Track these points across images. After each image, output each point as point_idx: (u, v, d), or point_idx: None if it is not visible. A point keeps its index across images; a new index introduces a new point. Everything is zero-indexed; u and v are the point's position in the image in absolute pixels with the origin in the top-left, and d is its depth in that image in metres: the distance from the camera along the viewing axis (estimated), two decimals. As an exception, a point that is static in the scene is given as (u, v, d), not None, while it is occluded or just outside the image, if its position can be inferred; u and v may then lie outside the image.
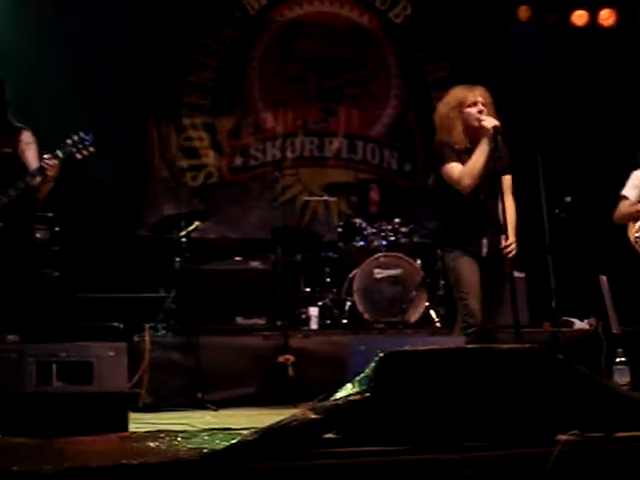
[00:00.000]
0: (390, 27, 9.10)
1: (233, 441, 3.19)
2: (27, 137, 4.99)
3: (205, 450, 3.12)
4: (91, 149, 4.89)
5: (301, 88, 8.92)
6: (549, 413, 3.38)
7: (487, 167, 4.70)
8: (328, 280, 7.19)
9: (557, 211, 6.82)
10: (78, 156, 4.87)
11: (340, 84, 9.00)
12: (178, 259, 6.76)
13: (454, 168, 4.76)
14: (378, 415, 3.32)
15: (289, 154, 8.74)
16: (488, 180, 4.73)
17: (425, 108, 9.08)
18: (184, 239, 6.97)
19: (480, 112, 4.75)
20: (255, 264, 6.67)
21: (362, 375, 3.44)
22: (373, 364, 3.34)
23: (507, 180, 4.91)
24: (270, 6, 8.90)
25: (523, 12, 8.79)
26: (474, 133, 4.76)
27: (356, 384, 3.44)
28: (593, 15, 8.78)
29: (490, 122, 4.68)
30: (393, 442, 3.34)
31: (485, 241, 4.77)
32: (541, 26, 8.87)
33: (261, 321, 6.45)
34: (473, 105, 4.79)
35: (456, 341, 4.43)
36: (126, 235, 8.09)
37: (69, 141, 4.86)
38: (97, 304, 7.14)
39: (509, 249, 4.70)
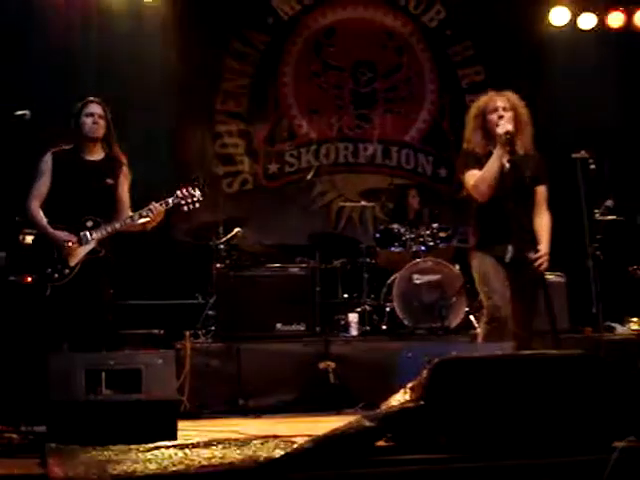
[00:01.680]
0: (424, 31, 9.09)
1: (288, 449, 3.19)
2: (126, 172, 5.17)
3: (261, 458, 3.12)
4: (197, 205, 5.14)
5: (335, 94, 8.93)
6: (605, 420, 3.36)
7: (510, 174, 4.72)
8: (367, 286, 7.17)
9: (598, 214, 6.78)
10: (185, 209, 5.12)
11: (374, 90, 9.00)
12: (217, 266, 6.78)
13: (472, 175, 4.82)
14: (432, 422, 3.31)
15: (324, 160, 8.74)
16: (516, 188, 4.73)
17: (460, 112, 9.04)
18: (222, 246, 7.00)
19: (500, 117, 4.78)
20: (294, 270, 6.67)
21: (414, 382, 3.44)
22: (426, 371, 3.34)
23: (541, 191, 4.93)
24: (303, 12, 8.92)
25: (558, 14, 8.74)
26: (495, 140, 4.79)
27: (408, 391, 3.44)
28: (629, 17, 8.71)
29: (502, 127, 4.72)
30: (447, 450, 3.33)
31: (510, 247, 4.75)
32: (576, 28, 8.81)
33: (301, 327, 6.44)
34: (494, 111, 4.83)
35: (504, 347, 4.40)
36: (164, 242, 8.12)
37: (179, 194, 5.10)
38: (136, 311, 7.17)
39: (541, 261, 4.71)
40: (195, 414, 5.66)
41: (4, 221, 5.62)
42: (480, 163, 4.81)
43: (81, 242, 4.91)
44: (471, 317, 6.90)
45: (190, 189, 5.12)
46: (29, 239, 5.42)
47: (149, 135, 8.06)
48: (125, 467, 3.16)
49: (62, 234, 4.90)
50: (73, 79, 7.75)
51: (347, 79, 8.95)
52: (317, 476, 3.08)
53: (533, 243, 4.77)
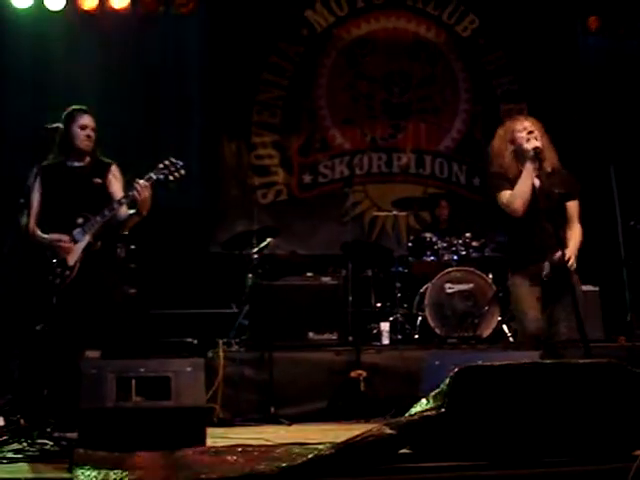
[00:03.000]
0: (457, 41, 9.12)
1: (310, 455, 3.22)
2: (115, 171, 5.17)
3: (283, 465, 3.15)
4: (182, 172, 5.01)
5: (369, 105, 8.99)
6: (627, 428, 3.34)
7: (540, 191, 4.81)
8: (399, 295, 7.19)
9: (632, 223, 6.73)
10: (170, 178, 5.00)
11: (408, 100, 9.04)
12: (250, 275, 6.85)
13: (505, 194, 4.88)
14: (453, 430, 3.32)
15: (357, 171, 8.79)
16: (547, 205, 4.79)
17: (494, 122, 9.01)
18: (256, 255, 7.07)
19: (529, 133, 4.87)
20: (326, 279, 6.70)
21: (437, 390, 3.45)
22: (448, 379, 3.35)
23: (571, 207, 4.95)
24: (337, 23, 9.00)
25: (592, 22, 8.70)
26: (524, 159, 4.86)
27: (431, 399, 3.46)
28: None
29: (531, 143, 4.82)
30: (468, 457, 3.34)
31: (547, 264, 4.82)
32: (611, 35, 8.76)
33: (333, 336, 6.47)
34: (522, 130, 4.91)
35: (530, 356, 4.39)
36: (198, 252, 8.23)
37: (161, 165, 5.00)
38: (171, 320, 7.27)
39: (567, 258, 4.73)
40: (228, 422, 5.71)
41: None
42: (511, 184, 4.87)
43: (75, 240, 4.89)
44: (503, 326, 6.89)
45: (172, 159, 5.02)
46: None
47: (186, 148, 8.16)
48: (152, 472, 3.21)
49: (54, 236, 4.88)
50: (106, 92, 7.88)
51: (380, 89, 9.01)
52: (337, 482, 3.11)
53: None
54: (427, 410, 3.34)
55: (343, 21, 9.02)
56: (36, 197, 4.94)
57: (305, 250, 8.06)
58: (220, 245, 7.80)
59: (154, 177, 4.95)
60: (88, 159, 5.12)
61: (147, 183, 4.90)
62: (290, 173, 8.85)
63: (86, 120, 5.07)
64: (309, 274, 6.88)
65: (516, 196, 4.81)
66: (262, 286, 6.64)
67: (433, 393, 3.48)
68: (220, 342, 6.16)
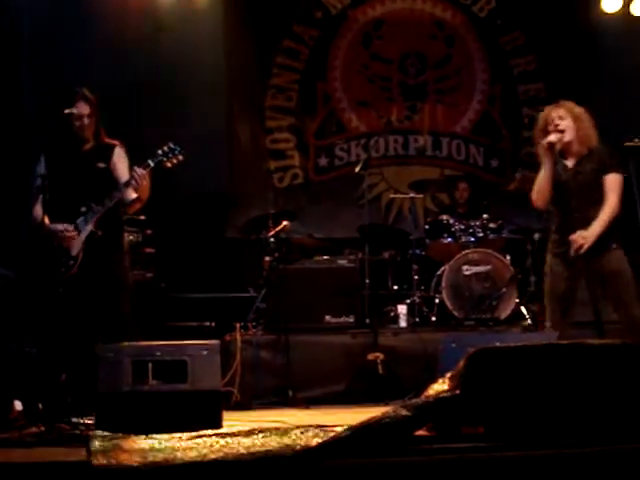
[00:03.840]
0: (474, 21, 9.04)
1: (326, 438, 3.23)
2: (119, 153, 5.15)
3: (298, 447, 3.16)
4: (180, 157, 5.03)
5: (385, 86, 8.94)
6: (643, 409, 3.33)
7: (561, 181, 4.97)
8: (416, 277, 7.16)
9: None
10: (168, 164, 5.02)
11: (424, 81, 8.99)
12: (267, 259, 6.84)
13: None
14: (469, 412, 3.32)
15: (374, 153, 8.75)
16: (580, 187, 4.95)
17: (511, 103, 9.02)
18: (272, 239, 7.07)
19: (555, 127, 4.98)
20: (343, 262, 6.69)
21: (452, 372, 3.45)
22: (463, 361, 3.34)
23: (605, 182, 4.97)
24: (352, 5, 8.94)
25: (610, 0, 8.58)
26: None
27: (446, 381, 3.45)
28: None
29: (545, 139, 4.96)
30: (484, 439, 3.34)
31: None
32: (629, 14, 8.65)
33: (350, 319, 6.45)
34: (551, 123, 5.03)
35: (547, 337, 4.37)
36: (215, 236, 8.24)
37: (159, 151, 5.01)
38: (188, 304, 7.29)
39: (576, 237, 4.84)
40: (245, 405, 5.72)
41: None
42: None
43: (78, 229, 4.92)
44: (522, 308, 6.85)
45: (170, 144, 5.04)
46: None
47: (201, 133, 8.16)
48: (165, 454, 3.23)
49: (59, 226, 4.92)
50: (123, 77, 7.88)
51: (396, 71, 8.96)
52: (353, 464, 3.11)
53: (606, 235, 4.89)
54: (442, 392, 3.34)
55: (358, 3, 8.95)
56: (41, 185, 4.91)
57: (321, 233, 8.04)
58: (237, 229, 7.80)
59: (151, 164, 4.96)
60: (91, 143, 5.12)
61: (144, 171, 4.90)
62: (306, 156, 8.83)
63: (79, 109, 5.02)
64: (326, 257, 6.87)
65: (534, 191, 5.04)
66: (279, 269, 6.63)
67: (448, 374, 3.48)
68: (237, 325, 6.17)
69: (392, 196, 8.68)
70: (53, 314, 4.86)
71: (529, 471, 3.22)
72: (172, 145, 5.03)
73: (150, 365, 4.33)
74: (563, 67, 8.78)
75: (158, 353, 4.38)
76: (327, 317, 6.46)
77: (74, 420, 4.42)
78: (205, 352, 4.41)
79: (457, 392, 3.24)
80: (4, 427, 4.30)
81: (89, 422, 4.35)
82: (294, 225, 7.49)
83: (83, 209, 4.94)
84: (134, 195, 4.99)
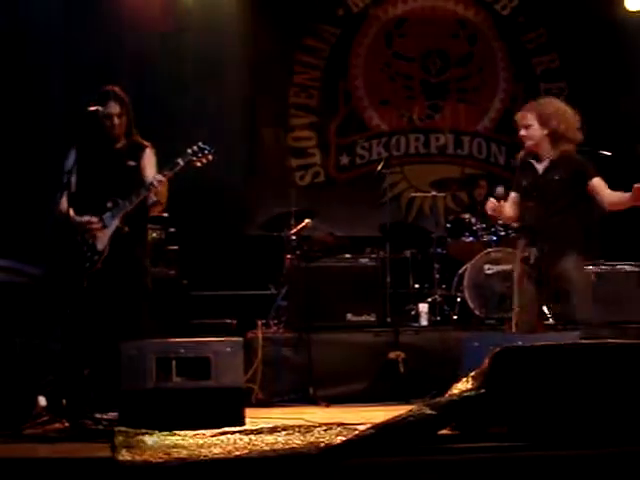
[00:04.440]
0: (497, 19, 9.00)
1: (349, 436, 3.23)
2: (149, 154, 5.19)
3: (322, 445, 3.16)
4: (210, 157, 5.05)
5: (406, 85, 8.92)
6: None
7: (529, 187, 5.07)
8: (437, 276, 7.15)
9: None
10: (197, 164, 5.04)
11: (446, 79, 8.96)
12: (288, 257, 6.85)
13: None
14: (493, 411, 3.31)
15: (394, 152, 8.74)
16: (540, 200, 5.00)
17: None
18: (294, 237, 7.08)
19: (521, 136, 5.12)
20: (364, 261, 6.68)
21: (476, 371, 3.44)
22: (487, 360, 3.34)
23: (595, 184, 4.99)
24: (374, 3, 8.92)
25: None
26: None
27: (470, 380, 3.45)
28: None
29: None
30: (508, 438, 3.33)
31: (534, 250, 5.00)
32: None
33: (371, 318, 6.45)
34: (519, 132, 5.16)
35: (570, 337, 4.35)
36: (236, 234, 8.26)
37: (189, 150, 5.02)
38: (210, 302, 7.31)
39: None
40: (266, 402, 5.74)
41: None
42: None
43: (104, 224, 4.95)
44: (543, 307, 6.82)
45: (200, 144, 5.05)
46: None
47: (224, 131, 8.18)
48: (189, 451, 3.24)
49: (85, 218, 4.95)
50: (147, 80, 7.92)
51: (418, 69, 8.93)
52: (376, 462, 3.11)
53: (561, 244, 4.96)
54: (467, 390, 3.34)
55: (380, 0, 8.93)
56: (72, 180, 4.94)
57: (342, 232, 8.04)
58: (258, 227, 7.81)
59: (181, 163, 4.98)
60: (123, 141, 5.15)
61: (163, 178, 4.90)
62: (327, 155, 8.83)
63: (110, 109, 5.06)
64: (347, 255, 6.87)
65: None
66: (300, 267, 6.63)
67: (472, 373, 3.47)
68: (259, 323, 6.19)
69: (413, 195, 8.66)
70: (77, 309, 4.88)
71: (553, 471, 3.21)
72: (202, 144, 5.04)
73: (174, 362, 4.35)
74: (586, 66, 8.74)
75: (182, 350, 4.39)
76: (348, 315, 6.46)
77: (97, 416, 4.46)
78: (228, 349, 4.42)
79: (482, 391, 3.23)
80: (28, 423, 4.34)
81: (112, 418, 4.39)
82: (315, 223, 7.49)
83: (109, 204, 4.96)
84: (154, 198, 5.01)
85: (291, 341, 6.17)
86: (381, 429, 3.19)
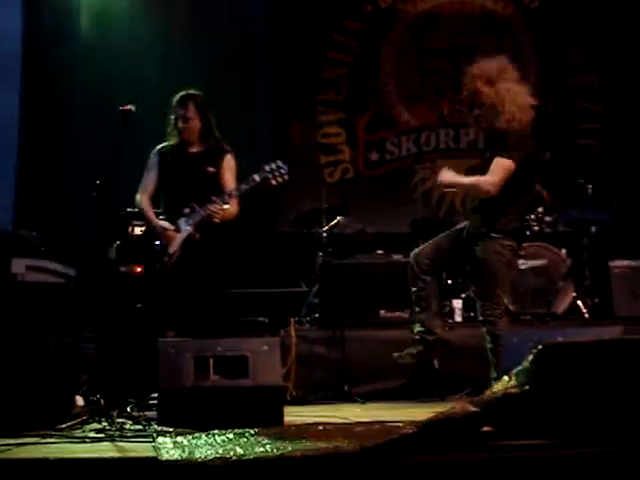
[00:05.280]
0: (526, 12, 8.93)
1: (392, 434, 3.21)
2: (229, 160, 5.29)
3: (366, 443, 3.14)
4: (286, 177, 5.16)
5: (436, 80, 8.88)
6: None
7: None
8: (471, 272, 7.09)
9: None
10: (273, 182, 5.16)
11: (476, 74, 8.89)
12: (320, 254, 6.84)
13: None
14: (537, 408, 3.27)
15: (425, 147, 8.69)
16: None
17: (564, 95, 8.90)
18: (325, 234, 7.06)
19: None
20: (397, 257, 6.66)
21: (519, 368, 3.40)
22: (531, 357, 3.29)
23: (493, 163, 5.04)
24: (402, -2, 8.90)
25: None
26: None
27: (513, 377, 3.40)
28: None
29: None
30: (552, 436, 3.29)
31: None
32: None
33: (405, 314, 6.41)
34: None
35: (612, 332, 4.30)
36: (266, 231, 8.25)
37: (267, 167, 5.13)
38: (241, 300, 7.30)
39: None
40: (301, 400, 5.73)
41: (114, 213, 5.81)
42: None
43: (179, 229, 5.11)
44: (578, 302, 6.76)
45: (279, 162, 5.16)
46: (138, 230, 5.65)
47: (253, 129, 8.19)
48: (232, 450, 3.23)
49: (163, 223, 5.13)
50: (174, 75, 7.93)
51: (447, 64, 8.88)
52: (422, 461, 3.09)
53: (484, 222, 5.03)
54: (510, 388, 3.30)
55: (409, -4, 8.91)
56: (151, 177, 5.22)
57: (373, 228, 8.01)
58: (288, 224, 7.80)
59: (257, 179, 5.08)
60: (199, 146, 5.22)
61: (237, 193, 5.06)
62: (356, 151, 8.81)
63: (183, 110, 5.21)
64: (379, 252, 6.84)
65: None
66: (332, 264, 6.62)
67: (515, 370, 3.43)
68: (292, 320, 6.18)
69: (444, 190, 8.62)
70: (112, 309, 4.96)
71: (597, 469, 3.17)
72: (280, 163, 5.15)
73: (211, 360, 4.34)
74: (617, 58, 8.65)
75: (219, 348, 4.38)
76: (382, 312, 6.44)
77: (136, 415, 4.46)
78: (266, 347, 4.41)
79: (526, 388, 3.20)
80: (66, 422, 4.34)
81: (151, 417, 4.39)
82: (346, 220, 7.47)
83: (186, 210, 5.12)
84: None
85: (324, 339, 6.16)
86: (424, 427, 3.16)
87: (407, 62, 8.87)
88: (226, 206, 5.11)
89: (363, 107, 8.82)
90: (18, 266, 4.69)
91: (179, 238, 5.13)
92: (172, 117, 5.27)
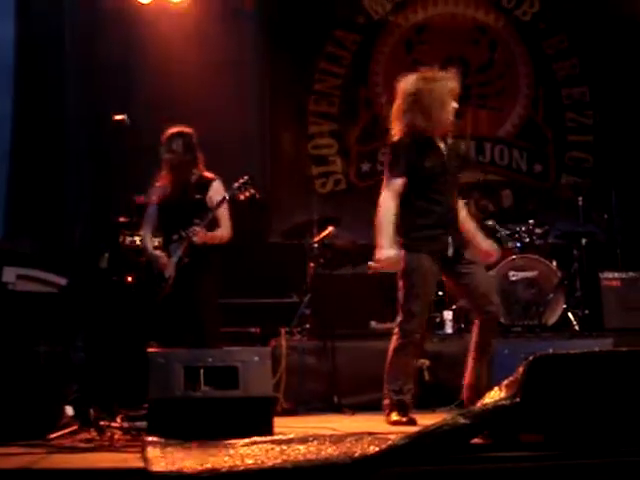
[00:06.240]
0: (517, 25, 9.00)
1: (382, 445, 3.20)
2: (216, 188, 5.59)
3: (356, 454, 3.13)
4: (252, 191, 5.52)
5: (428, 92, 8.89)
6: None
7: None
8: (461, 283, 7.10)
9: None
10: (241, 197, 5.52)
11: (467, 85, 8.92)
12: (311, 265, 6.83)
13: None
14: (528, 420, 3.28)
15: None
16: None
17: (555, 106, 8.94)
18: (316, 245, 7.06)
19: None
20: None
21: (510, 379, 3.40)
22: (522, 368, 3.30)
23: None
24: (394, 10, 8.93)
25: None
26: None
27: (504, 389, 3.41)
28: None
29: None
30: (543, 447, 3.29)
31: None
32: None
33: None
34: None
35: (602, 344, 4.31)
36: (258, 242, 8.24)
37: (235, 184, 5.47)
38: (233, 310, 7.28)
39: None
40: (290, 411, 5.71)
41: (106, 222, 5.86)
42: None
43: (170, 254, 5.47)
44: (569, 314, 6.78)
45: (245, 178, 5.52)
46: (129, 240, 5.78)
47: (244, 138, 8.19)
48: (223, 461, 3.22)
49: (156, 252, 5.57)
50: (166, 85, 7.94)
51: (439, 76, 8.91)
52: (412, 472, 3.08)
53: None
54: (501, 399, 3.30)
55: (400, 7, 8.95)
56: (151, 212, 5.63)
57: (365, 239, 8.01)
58: (280, 234, 7.80)
59: (227, 196, 5.47)
60: (191, 176, 5.54)
61: (199, 230, 5.39)
62: (348, 162, 8.82)
63: (173, 145, 5.51)
64: (370, 263, 6.83)
65: None
66: (323, 275, 6.63)
67: (506, 382, 3.43)
68: (283, 331, 6.17)
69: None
70: (102, 319, 5.06)
71: (588, 480, 3.17)
72: (247, 179, 5.51)
73: (202, 371, 4.33)
74: (608, 71, 8.70)
75: (209, 359, 4.37)
76: (372, 323, 6.44)
77: (125, 425, 4.45)
78: (256, 358, 4.40)
79: (517, 400, 3.20)
80: (56, 432, 4.32)
81: (140, 427, 4.37)
82: (337, 231, 7.48)
83: (175, 237, 5.47)
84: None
85: (315, 349, 6.15)
86: (415, 438, 3.16)
87: (399, 73, 8.84)
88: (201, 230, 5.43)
89: (355, 118, 8.86)
90: (9, 275, 4.69)
91: (171, 263, 5.46)
92: (162, 152, 5.54)
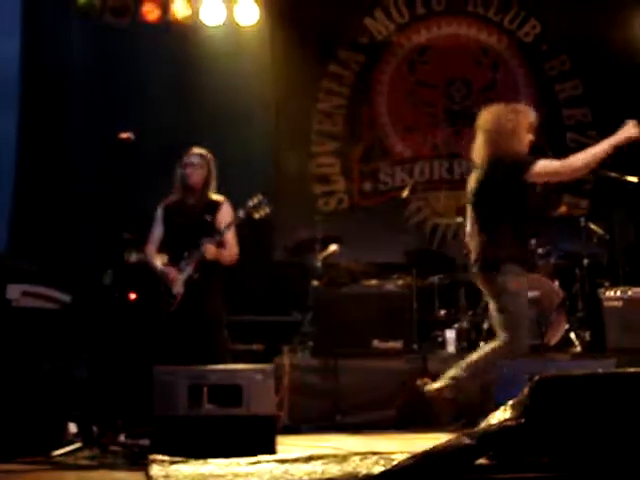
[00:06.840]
0: (520, 46, 9.04)
1: (387, 466, 3.20)
2: (225, 209, 5.57)
3: (361, 475, 3.13)
4: (267, 210, 5.48)
5: (430, 112, 8.95)
6: None
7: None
8: (464, 302, 7.12)
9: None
10: (256, 216, 5.48)
11: (469, 106, 8.97)
12: (314, 283, 6.84)
13: None
14: (533, 441, 3.27)
15: (418, 178, 8.75)
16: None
17: (557, 127, 8.97)
18: (319, 263, 7.08)
19: None
20: (390, 287, 6.67)
21: (515, 400, 3.40)
22: (527, 389, 3.29)
23: None
24: (397, 31, 8.98)
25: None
26: None
27: (509, 409, 3.40)
28: None
29: None
30: (548, 469, 3.28)
31: None
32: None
33: (397, 344, 6.42)
34: None
35: (605, 364, 4.31)
36: (260, 260, 8.25)
37: (250, 203, 5.44)
38: (235, 327, 7.29)
39: None
40: (293, 429, 5.71)
41: (110, 239, 5.86)
42: None
43: (180, 270, 5.42)
44: (571, 334, 6.78)
45: (260, 197, 5.49)
46: (134, 257, 5.76)
47: (247, 157, 8.21)
48: (227, 480, 3.22)
49: (164, 267, 5.48)
50: (171, 104, 7.98)
51: (441, 96, 8.96)
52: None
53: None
54: (506, 420, 3.29)
55: (403, 28, 9.00)
56: (157, 230, 5.60)
57: (367, 258, 8.04)
58: (283, 253, 7.82)
59: (241, 215, 5.46)
60: (202, 198, 5.55)
61: (211, 247, 5.36)
62: (351, 181, 8.85)
63: (191, 159, 5.54)
64: (373, 282, 6.85)
65: None
66: (326, 294, 6.64)
67: (511, 402, 3.42)
68: (286, 349, 6.17)
69: (437, 221, 8.65)
70: (107, 337, 5.03)
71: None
72: (262, 198, 5.48)
73: (205, 389, 4.34)
74: (610, 92, 8.73)
75: (213, 377, 4.39)
76: (375, 342, 6.43)
77: (129, 443, 4.45)
78: (260, 376, 4.41)
79: (522, 421, 3.19)
80: (59, 449, 4.32)
81: (144, 445, 4.37)
82: (340, 249, 7.50)
83: (185, 254, 5.43)
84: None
85: (317, 367, 6.16)
86: (420, 459, 3.15)
87: (402, 94, 8.94)
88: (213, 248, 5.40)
89: (358, 138, 8.90)
90: (13, 292, 4.70)
91: (180, 279, 5.42)
92: (179, 168, 5.55)
